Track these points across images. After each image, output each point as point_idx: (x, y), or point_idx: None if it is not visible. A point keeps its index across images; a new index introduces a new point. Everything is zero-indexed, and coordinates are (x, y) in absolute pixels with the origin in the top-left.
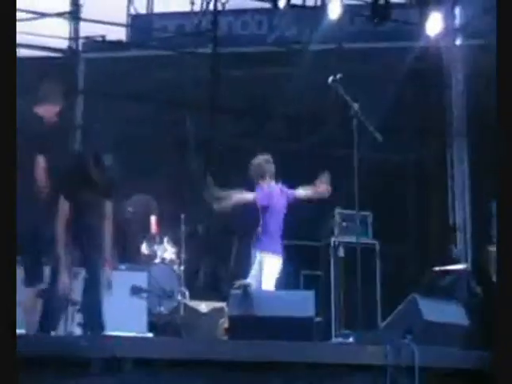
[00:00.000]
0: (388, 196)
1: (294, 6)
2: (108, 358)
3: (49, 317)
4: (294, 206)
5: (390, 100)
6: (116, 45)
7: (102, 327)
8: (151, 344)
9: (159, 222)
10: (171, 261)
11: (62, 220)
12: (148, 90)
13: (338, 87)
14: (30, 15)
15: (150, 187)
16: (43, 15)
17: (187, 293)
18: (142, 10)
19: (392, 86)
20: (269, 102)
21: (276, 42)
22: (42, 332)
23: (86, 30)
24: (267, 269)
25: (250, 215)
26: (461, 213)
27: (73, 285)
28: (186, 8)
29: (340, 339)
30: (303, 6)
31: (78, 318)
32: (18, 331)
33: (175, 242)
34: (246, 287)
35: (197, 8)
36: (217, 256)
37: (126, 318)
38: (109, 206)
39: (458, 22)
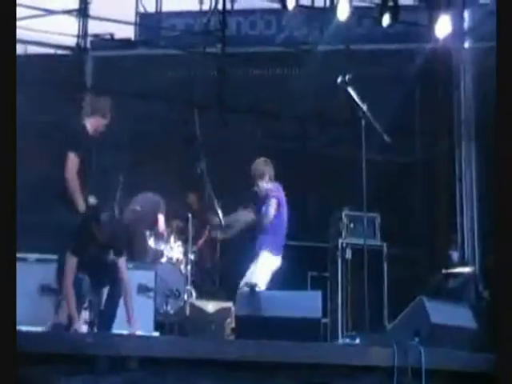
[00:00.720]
0: (396, 197)
1: (303, 6)
2: (114, 357)
3: None
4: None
5: (398, 101)
6: (124, 43)
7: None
8: (157, 343)
9: (166, 221)
10: (178, 260)
11: (70, 276)
12: (156, 88)
13: (347, 88)
14: (39, 12)
15: (158, 186)
16: (52, 12)
17: (194, 292)
18: (151, 9)
19: (400, 87)
20: (276, 103)
21: (284, 42)
22: None
23: (95, 27)
24: (260, 264)
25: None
26: (469, 215)
27: None
28: (195, 7)
29: (347, 340)
30: (312, 7)
31: (85, 315)
32: (24, 328)
33: (182, 242)
34: (253, 287)
35: (206, 7)
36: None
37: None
38: (123, 266)
39: (466, 24)
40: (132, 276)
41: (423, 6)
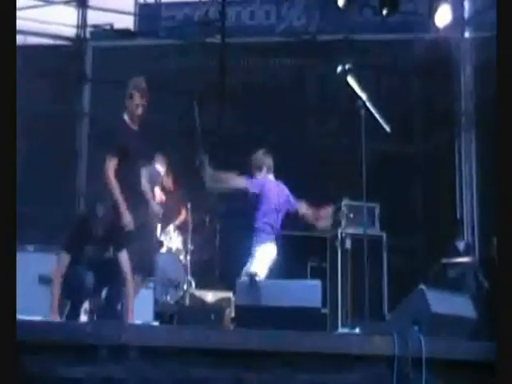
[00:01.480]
0: (395, 187)
1: None
2: (114, 346)
3: None
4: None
5: (398, 91)
6: (124, 33)
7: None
8: (157, 332)
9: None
10: (177, 250)
11: (59, 272)
12: (155, 79)
13: (347, 77)
14: (38, 3)
15: None
16: (51, 3)
17: (193, 282)
18: None
19: (400, 77)
20: (276, 92)
21: (284, 32)
22: None
23: (94, 18)
24: (258, 256)
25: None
26: (468, 205)
27: None
28: None
29: (346, 330)
30: None
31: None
32: (22, 317)
33: (181, 231)
34: (252, 276)
35: None
36: (223, 246)
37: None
38: (123, 260)
39: (466, 14)
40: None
41: None
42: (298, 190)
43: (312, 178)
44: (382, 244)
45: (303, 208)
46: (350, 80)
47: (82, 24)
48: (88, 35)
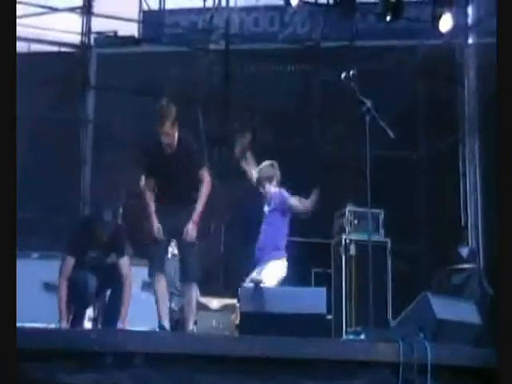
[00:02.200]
0: (400, 193)
1: (307, 2)
2: (118, 353)
3: None
4: None
5: (402, 97)
6: (128, 40)
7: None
8: (162, 339)
9: None
10: None
11: (64, 276)
12: (160, 86)
13: (351, 84)
14: (42, 10)
15: None
16: (55, 10)
17: (198, 289)
18: (154, 6)
19: (404, 83)
20: (280, 99)
21: (288, 39)
22: None
23: (98, 25)
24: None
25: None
26: (473, 210)
27: None
28: (199, 4)
29: (351, 336)
30: (315, 3)
31: (89, 312)
32: (28, 325)
33: None
34: (257, 283)
35: (209, 4)
36: (227, 252)
37: (137, 313)
38: (125, 264)
39: (470, 20)
40: (137, 273)
41: (427, 1)
42: (301, 196)
43: (316, 184)
44: (387, 250)
45: (293, 201)
46: (354, 86)
47: (86, 31)
48: (92, 42)
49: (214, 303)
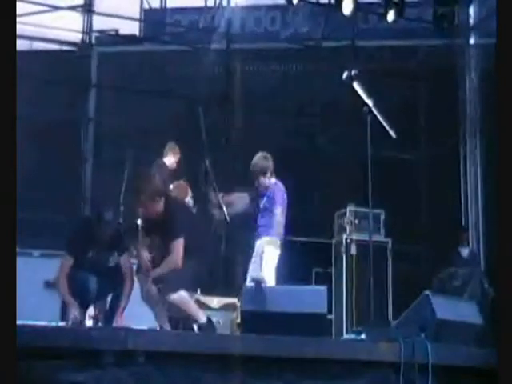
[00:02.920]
0: (401, 194)
1: (308, 2)
2: (119, 351)
3: None
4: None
5: (403, 97)
6: (129, 39)
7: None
8: (163, 337)
9: None
10: None
11: (63, 275)
12: (160, 84)
13: (353, 84)
14: (44, 8)
15: None
16: (57, 8)
17: (199, 288)
18: (156, 5)
19: (405, 83)
20: (281, 99)
21: (289, 38)
22: None
23: (100, 23)
24: (266, 253)
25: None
26: (474, 211)
27: None
28: (200, 3)
29: (352, 336)
30: (317, 3)
31: (90, 310)
32: (28, 323)
33: None
34: (258, 282)
35: (210, 3)
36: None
37: (137, 311)
38: (126, 263)
39: (472, 21)
40: None
41: (428, 2)
42: (303, 196)
43: (317, 184)
44: (387, 250)
45: None
46: (356, 86)
47: (88, 29)
48: (93, 41)
49: (215, 302)
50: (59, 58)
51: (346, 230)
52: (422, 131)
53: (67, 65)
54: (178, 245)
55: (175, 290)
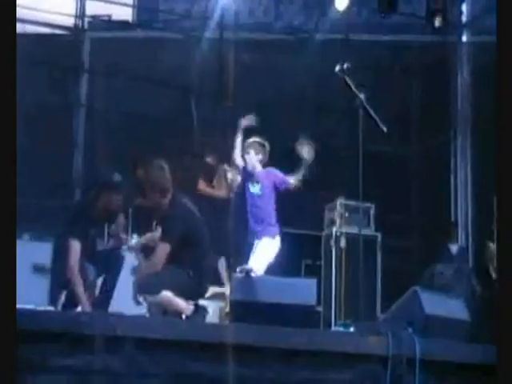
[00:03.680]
0: (391, 188)
1: None
2: (109, 336)
3: None
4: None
5: (395, 92)
6: (122, 25)
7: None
8: (153, 324)
9: None
10: None
11: (74, 260)
12: (152, 71)
13: (345, 77)
14: None
15: None
16: None
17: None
18: None
19: (397, 78)
20: (273, 90)
21: (283, 29)
22: None
23: (93, 8)
24: (259, 250)
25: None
26: (463, 208)
27: None
28: None
29: (340, 328)
30: None
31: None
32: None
33: None
34: (248, 272)
35: None
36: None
37: (127, 298)
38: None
39: (464, 17)
40: (128, 258)
41: None
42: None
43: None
44: (377, 244)
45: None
46: (348, 80)
47: (81, 14)
48: (86, 25)
49: None
50: (51, 41)
51: (335, 222)
52: (414, 126)
53: (59, 49)
54: (164, 249)
55: (157, 292)
